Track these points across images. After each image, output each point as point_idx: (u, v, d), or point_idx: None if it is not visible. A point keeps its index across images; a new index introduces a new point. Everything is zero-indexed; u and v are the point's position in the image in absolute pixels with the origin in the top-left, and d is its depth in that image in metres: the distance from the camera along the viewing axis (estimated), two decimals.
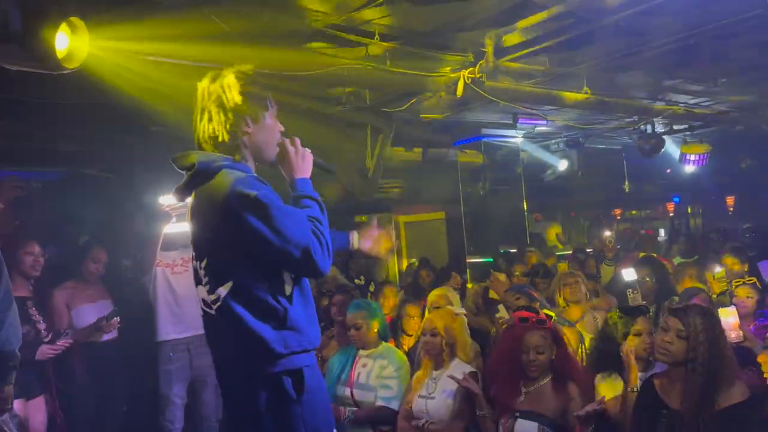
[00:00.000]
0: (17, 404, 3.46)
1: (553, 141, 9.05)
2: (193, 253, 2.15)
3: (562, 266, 6.81)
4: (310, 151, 2.22)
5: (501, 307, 4.01)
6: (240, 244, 1.99)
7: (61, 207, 7.52)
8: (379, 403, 3.55)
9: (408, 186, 11.03)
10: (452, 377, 3.25)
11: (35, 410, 3.60)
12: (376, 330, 3.75)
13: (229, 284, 2.01)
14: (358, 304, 3.90)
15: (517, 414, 2.97)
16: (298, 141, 2.21)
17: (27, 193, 4.27)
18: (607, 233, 7.66)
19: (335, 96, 5.88)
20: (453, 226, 9.35)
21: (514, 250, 7.58)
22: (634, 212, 16.37)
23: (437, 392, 3.36)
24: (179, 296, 4.44)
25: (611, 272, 6.35)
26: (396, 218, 11.26)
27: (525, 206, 8.35)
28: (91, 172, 6.68)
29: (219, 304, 2.04)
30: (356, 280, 7.70)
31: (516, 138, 8.13)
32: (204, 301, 2.11)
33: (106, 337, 4.15)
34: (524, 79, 5.63)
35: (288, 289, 2.06)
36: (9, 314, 3.14)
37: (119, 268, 4.98)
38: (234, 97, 2.08)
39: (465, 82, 4.85)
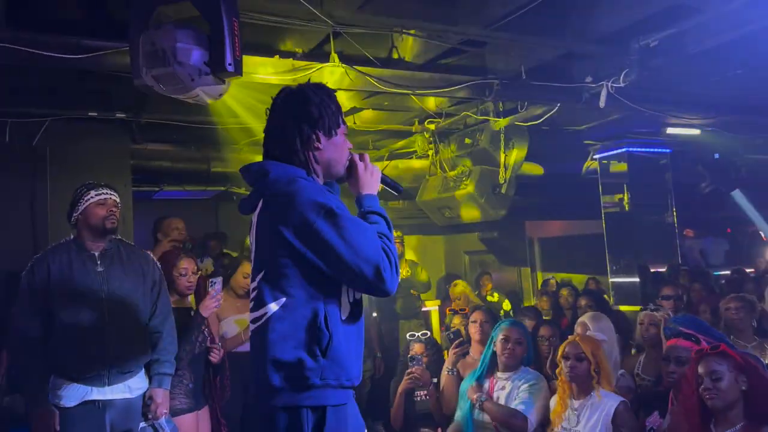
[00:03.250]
0: (188, 417, 3.58)
1: (707, 151, 8.32)
2: (253, 267, 2.02)
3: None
4: (378, 167, 2.14)
5: None
6: (306, 256, 1.87)
7: (213, 224, 8.10)
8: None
9: (543, 200, 10.64)
10: None
11: (202, 420, 3.71)
12: (526, 353, 3.66)
13: (282, 299, 1.90)
14: (517, 323, 3.82)
15: None
16: (367, 157, 2.13)
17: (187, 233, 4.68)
18: None
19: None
20: (592, 243, 8.87)
21: (663, 270, 7.03)
22: None
23: (581, 425, 3.15)
24: None
25: None
26: (530, 235, 10.91)
27: (675, 221, 7.72)
28: (240, 191, 7.15)
29: (261, 322, 1.92)
30: (489, 297, 7.54)
31: (664, 149, 7.57)
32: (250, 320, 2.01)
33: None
34: (673, 86, 5.23)
35: (344, 314, 1.96)
36: (166, 325, 3.40)
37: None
38: (310, 110, 2.03)
39: (608, 91, 4.58)
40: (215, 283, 3.77)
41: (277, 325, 1.89)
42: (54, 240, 3.42)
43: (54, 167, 5.16)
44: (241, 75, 3.29)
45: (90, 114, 5.13)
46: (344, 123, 2.12)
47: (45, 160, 5.17)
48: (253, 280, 1.99)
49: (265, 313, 1.91)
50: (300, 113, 2.03)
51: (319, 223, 1.85)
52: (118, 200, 3.32)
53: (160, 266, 3.49)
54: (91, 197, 3.24)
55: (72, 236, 3.29)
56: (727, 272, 8.08)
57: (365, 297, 2.13)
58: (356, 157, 2.11)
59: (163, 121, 5.37)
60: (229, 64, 3.18)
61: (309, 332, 1.88)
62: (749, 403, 2.62)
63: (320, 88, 2.10)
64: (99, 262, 3.22)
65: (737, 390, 2.63)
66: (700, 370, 2.69)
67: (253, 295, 1.98)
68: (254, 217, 2.02)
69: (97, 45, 3.54)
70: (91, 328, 3.10)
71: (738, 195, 8.81)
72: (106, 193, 3.27)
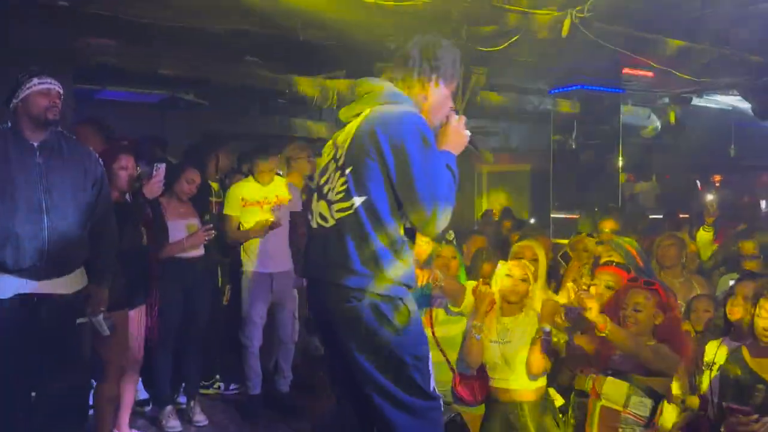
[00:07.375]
0: (125, 314, 3.65)
1: (657, 95, 8.46)
2: (337, 161, 2.23)
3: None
4: (468, 134, 2.31)
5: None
6: (389, 168, 2.10)
7: (158, 131, 7.79)
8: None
9: (493, 134, 10.69)
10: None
11: (137, 318, 3.80)
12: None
13: (364, 197, 2.12)
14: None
15: (609, 372, 2.84)
16: (463, 119, 2.31)
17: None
18: (710, 197, 7.20)
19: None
20: (538, 178, 9.05)
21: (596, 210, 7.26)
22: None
23: (513, 336, 3.17)
24: (268, 236, 4.50)
25: (709, 238, 5.98)
26: (479, 167, 11.00)
27: (621, 164, 7.93)
28: (188, 97, 6.87)
29: (346, 213, 2.14)
30: None
31: (617, 90, 7.66)
32: (321, 214, 2.23)
33: (192, 255, 4.28)
34: (635, 24, 5.24)
35: (401, 231, 2.19)
36: (107, 223, 3.31)
37: (206, 192, 5.07)
38: (437, 54, 2.26)
39: (572, 21, 4.55)
40: (159, 167, 3.87)
41: (364, 218, 2.12)
42: None
43: None
44: None
45: None
46: (456, 81, 2.33)
47: None
48: (341, 174, 2.19)
49: (353, 204, 2.14)
50: (429, 53, 2.26)
51: (413, 145, 2.08)
52: (61, 91, 3.14)
53: (102, 163, 3.36)
54: (34, 84, 3.05)
55: (9, 124, 3.11)
56: (659, 216, 8.40)
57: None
58: (453, 115, 2.30)
59: (110, 14, 5.02)
60: None
61: (388, 233, 2.13)
62: (659, 334, 2.92)
63: (453, 46, 2.34)
64: (38, 153, 3.07)
65: (651, 323, 2.91)
66: (627, 298, 2.89)
67: (341, 188, 2.18)
68: (358, 123, 2.22)
69: None
70: (27, 221, 2.97)
71: None
72: (50, 83, 3.09)
